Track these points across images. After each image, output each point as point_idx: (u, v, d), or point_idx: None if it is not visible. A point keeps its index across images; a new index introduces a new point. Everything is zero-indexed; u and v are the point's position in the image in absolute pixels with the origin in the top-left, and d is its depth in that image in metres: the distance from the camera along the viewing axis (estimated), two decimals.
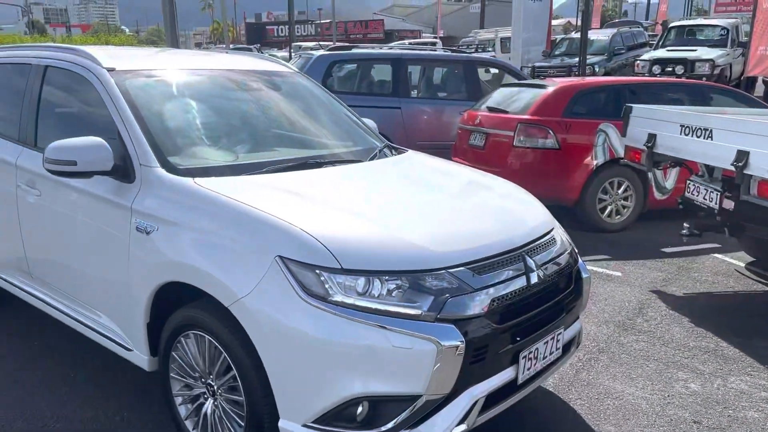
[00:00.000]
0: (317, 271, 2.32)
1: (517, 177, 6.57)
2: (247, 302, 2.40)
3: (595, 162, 6.48)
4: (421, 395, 2.31)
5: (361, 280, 2.33)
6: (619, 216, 6.71)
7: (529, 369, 2.64)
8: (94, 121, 3.27)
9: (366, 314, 2.28)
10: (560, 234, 3.10)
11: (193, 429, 2.79)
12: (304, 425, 2.36)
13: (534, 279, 2.65)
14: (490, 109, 7.18)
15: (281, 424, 2.41)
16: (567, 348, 2.98)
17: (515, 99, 7.13)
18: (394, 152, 3.83)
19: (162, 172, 2.87)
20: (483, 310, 2.42)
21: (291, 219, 2.47)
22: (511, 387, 2.60)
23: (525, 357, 2.60)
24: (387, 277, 2.36)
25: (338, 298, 2.30)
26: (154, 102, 3.28)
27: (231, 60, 4.11)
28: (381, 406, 2.34)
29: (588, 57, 15.87)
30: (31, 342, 3.91)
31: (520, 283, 2.60)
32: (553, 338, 2.77)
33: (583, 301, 3.09)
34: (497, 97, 7.47)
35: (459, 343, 2.30)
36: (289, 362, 2.35)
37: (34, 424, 3.06)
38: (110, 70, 3.27)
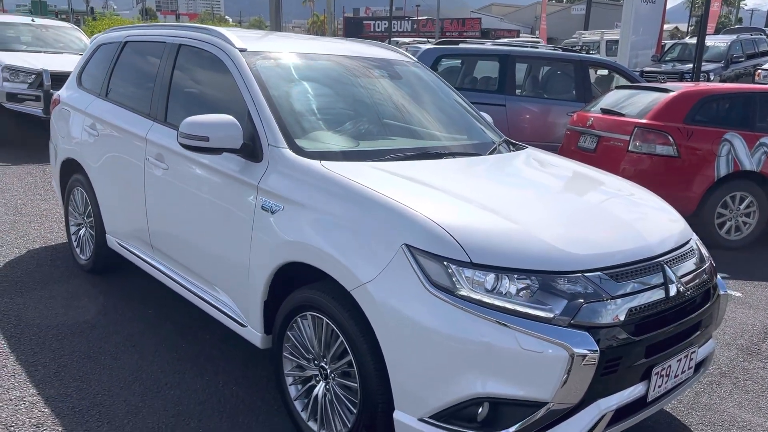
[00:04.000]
0: (445, 263, 2.25)
1: None
2: (371, 288, 2.36)
3: (716, 174, 6.08)
4: (547, 403, 2.19)
5: (491, 276, 2.24)
6: (738, 233, 6.27)
7: (660, 386, 2.47)
8: (223, 99, 3.34)
9: (494, 312, 2.18)
10: (699, 245, 2.89)
11: (302, 410, 2.79)
12: (421, 419, 2.29)
13: (673, 291, 2.47)
14: (604, 111, 6.87)
15: (396, 415, 2.36)
16: (698, 368, 2.78)
17: (632, 102, 6.80)
18: (512, 147, 3.72)
19: (290, 153, 2.88)
20: (619, 320, 2.27)
21: (419, 207, 2.41)
22: (640, 403, 2.43)
23: (657, 373, 2.43)
24: (517, 276, 2.25)
25: (465, 292, 2.21)
26: (282, 84, 3.31)
27: (353, 46, 4.10)
28: (503, 408, 2.24)
29: (702, 64, 15.00)
30: (147, 309, 4.06)
31: (659, 294, 2.43)
32: (686, 356, 2.57)
33: (719, 320, 2.86)
34: (612, 98, 7.15)
35: (593, 352, 2.17)
36: (409, 353, 2.29)
37: (150, 387, 3.16)
38: (242, 50, 3.33)
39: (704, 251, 2.90)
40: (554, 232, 2.42)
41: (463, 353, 2.20)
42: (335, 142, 3.19)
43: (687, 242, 2.78)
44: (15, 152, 8.82)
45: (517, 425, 2.22)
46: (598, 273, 2.32)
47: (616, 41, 20.34)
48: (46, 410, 2.91)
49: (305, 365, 2.76)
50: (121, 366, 3.36)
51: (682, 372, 2.59)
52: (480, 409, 2.24)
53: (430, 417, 2.28)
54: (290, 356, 2.82)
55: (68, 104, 4.69)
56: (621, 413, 2.38)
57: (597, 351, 2.17)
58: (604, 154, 6.57)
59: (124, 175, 3.95)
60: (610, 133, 6.53)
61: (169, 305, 4.08)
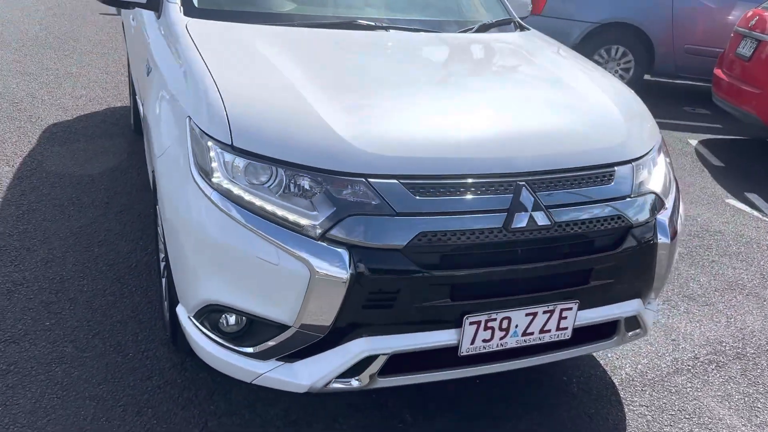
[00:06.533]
0: (209, 144, 1.87)
1: None
2: (158, 164, 2.09)
3: None
4: (290, 326, 1.79)
5: (251, 166, 1.81)
6: None
7: (487, 341, 1.88)
8: None
9: (239, 208, 1.78)
10: (641, 173, 2.08)
11: (164, 288, 2.65)
12: (189, 318, 2.03)
13: (521, 222, 1.81)
14: None
15: (178, 309, 2.11)
16: (596, 334, 2.09)
17: None
18: (516, 29, 3.01)
19: (174, 7, 2.59)
20: (398, 243, 1.73)
21: (221, 79, 2.01)
22: (449, 356, 1.89)
23: (477, 323, 1.84)
24: (292, 171, 1.79)
25: (222, 182, 1.82)
26: None
27: None
28: (254, 326, 1.88)
29: None
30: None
31: (493, 222, 1.80)
32: (550, 312, 1.92)
33: (652, 276, 2.09)
34: None
35: (342, 273, 1.69)
36: (175, 243, 2.00)
37: (81, 244, 3.25)
38: None
39: (646, 181, 2.09)
40: (363, 125, 1.88)
41: (204, 251, 1.86)
42: (265, 4, 2.81)
43: (610, 165, 2.01)
44: None
45: (259, 345, 1.86)
46: (393, 181, 1.77)
47: None
48: None
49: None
50: (78, 218, 3.50)
51: (543, 332, 1.94)
52: (226, 319, 1.91)
53: (193, 316, 2.00)
54: (160, 230, 2.68)
55: None
56: (413, 362, 1.88)
57: (347, 273, 1.69)
58: (759, 64, 5.14)
59: (130, 34, 3.97)
60: None
61: None
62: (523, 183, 1.85)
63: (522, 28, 3.07)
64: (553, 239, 1.86)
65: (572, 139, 2.02)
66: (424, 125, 1.93)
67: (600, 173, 1.98)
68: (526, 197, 1.83)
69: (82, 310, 2.72)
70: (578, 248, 1.91)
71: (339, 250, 1.71)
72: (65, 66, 6.54)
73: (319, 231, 1.72)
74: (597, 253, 1.94)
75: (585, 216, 1.90)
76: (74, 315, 2.69)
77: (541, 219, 1.83)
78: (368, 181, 1.75)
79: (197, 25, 2.44)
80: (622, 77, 7.19)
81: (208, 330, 1.94)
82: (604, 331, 2.11)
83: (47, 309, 2.71)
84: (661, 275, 2.11)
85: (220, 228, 1.80)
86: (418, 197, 1.76)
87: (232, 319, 1.91)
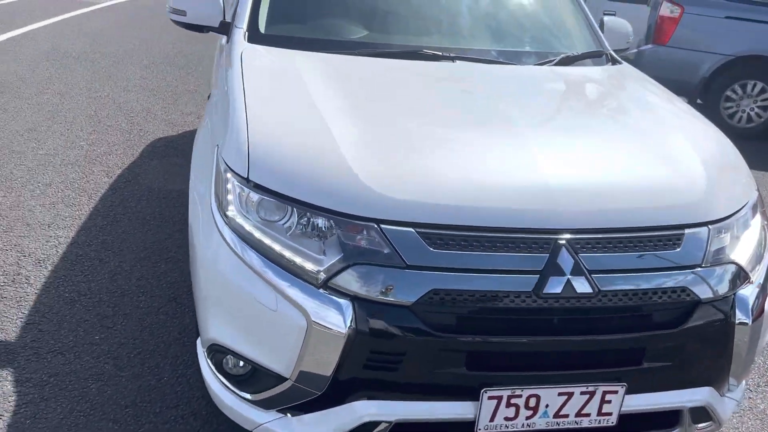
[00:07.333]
0: (228, 175, 1.79)
1: None
2: (190, 189, 2.04)
3: None
4: (287, 378, 1.64)
5: (264, 202, 1.70)
6: None
7: (510, 419, 1.63)
8: None
9: (246, 246, 1.67)
10: (720, 238, 1.75)
11: None
12: (203, 352, 1.95)
13: (555, 288, 1.56)
14: None
15: (198, 341, 2.04)
16: (652, 423, 1.77)
17: None
18: (607, 63, 2.74)
19: (239, 33, 2.57)
20: (412, 300, 1.54)
21: (254, 111, 1.93)
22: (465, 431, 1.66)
23: (498, 398, 1.60)
24: (303, 211, 1.66)
25: (235, 216, 1.73)
26: None
27: None
28: (256, 373, 1.76)
29: None
30: None
31: (522, 285, 1.56)
32: (590, 394, 1.64)
33: (728, 361, 1.74)
34: None
35: (340, 327, 1.53)
36: (193, 272, 1.94)
37: (151, 258, 3.32)
38: None
39: (729, 249, 1.75)
40: (385, 166, 1.71)
41: (212, 286, 1.78)
42: (334, 31, 2.74)
43: (680, 227, 1.70)
44: None
45: (256, 395, 1.74)
46: (408, 229, 1.58)
47: None
48: (59, 249, 3.30)
49: None
50: (155, 232, 3.59)
51: (581, 415, 1.66)
52: (230, 361, 1.81)
53: (205, 351, 1.92)
54: None
55: None
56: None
57: (346, 329, 1.53)
58: None
59: None
60: None
61: None
62: (564, 242, 1.60)
63: (614, 62, 2.77)
64: (596, 310, 1.59)
65: (633, 194, 1.73)
66: (454, 168, 1.72)
67: (664, 236, 1.68)
68: (566, 259, 1.58)
69: (133, 327, 2.75)
70: (628, 323, 1.63)
71: (341, 300, 1.55)
72: (185, 84, 6.90)
73: (321, 278, 1.58)
74: (652, 331, 1.64)
75: (639, 286, 1.61)
76: (124, 331, 2.72)
77: (581, 285, 1.57)
78: (380, 227, 1.59)
79: (252, 52, 2.40)
80: (758, 115, 6.50)
81: (216, 369, 1.85)
82: (664, 420, 1.78)
83: (101, 323, 2.76)
84: (741, 360, 1.76)
85: (226, 265, 1.71)
86: (433, 249, 1.57)
87: (240, 362, 1.80)
